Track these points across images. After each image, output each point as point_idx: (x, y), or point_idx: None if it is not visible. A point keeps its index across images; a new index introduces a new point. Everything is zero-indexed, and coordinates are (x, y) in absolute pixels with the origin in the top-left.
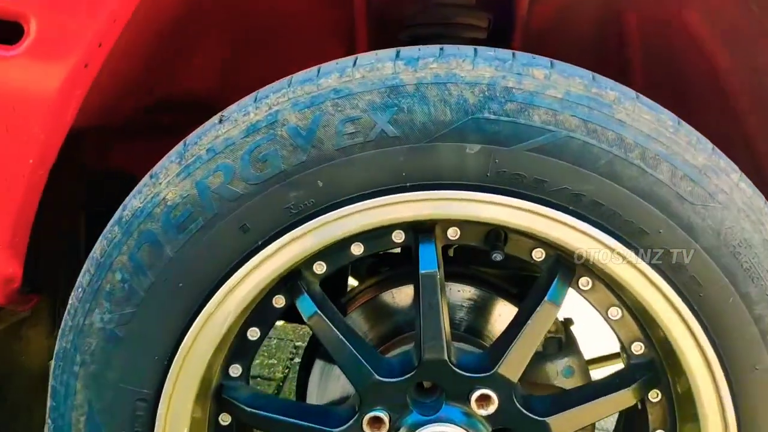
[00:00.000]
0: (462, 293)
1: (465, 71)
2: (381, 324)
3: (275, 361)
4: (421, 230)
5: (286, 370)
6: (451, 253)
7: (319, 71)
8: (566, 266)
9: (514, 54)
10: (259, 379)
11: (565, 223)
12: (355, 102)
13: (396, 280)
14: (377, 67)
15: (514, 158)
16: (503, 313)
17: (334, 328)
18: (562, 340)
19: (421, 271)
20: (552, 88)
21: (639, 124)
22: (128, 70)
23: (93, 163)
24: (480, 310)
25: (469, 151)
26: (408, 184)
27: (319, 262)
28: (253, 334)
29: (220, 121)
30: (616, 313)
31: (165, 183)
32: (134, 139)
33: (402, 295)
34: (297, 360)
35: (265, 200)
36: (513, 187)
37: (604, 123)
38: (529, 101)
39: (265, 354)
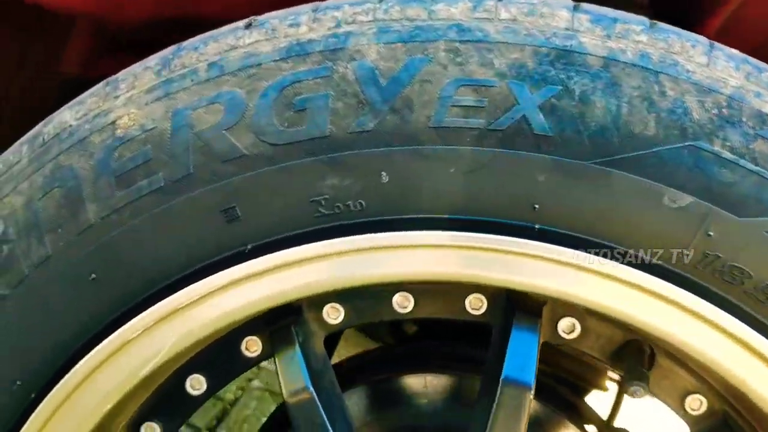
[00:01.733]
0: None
1: (694, 64)
2: (392, 422)
3: None
4: (517, 305)
5: (239, 392)
6: None
7: None
8: None
9: None
10: None
11: None
12: (489, 56)
13: (439, 359)
14: (542, 13)
15: (743, 239)
16: None
17: (330, 428)
18: None
19: (504, 377)
20: None
21: None
22: None
23: (74, 69)
24: None
25: (670, 202)
26: (537, 227)
27: (334, 304)
28: (196, 385)
29: (248, 26)
30: None
31: (125, 98)
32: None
33: (441, 388)
34: (256, 383)
35: (280, 177)
36: (717, 288)
37: None
38: None
39: None
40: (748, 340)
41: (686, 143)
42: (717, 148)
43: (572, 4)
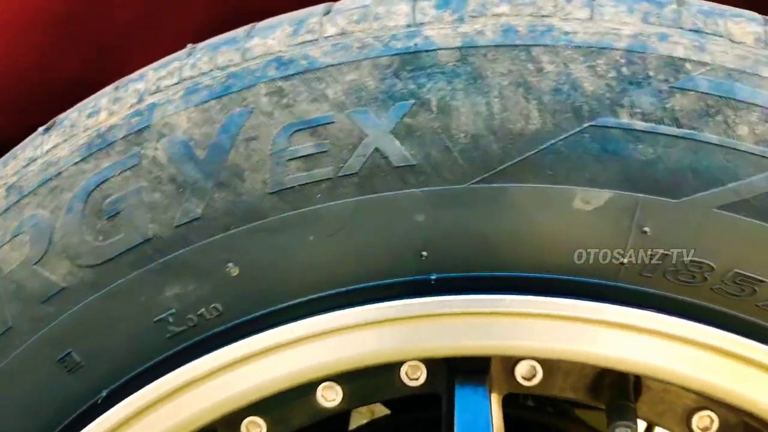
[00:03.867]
0: None
1: (575, 22)
2: None
3: None
4: (458, 367)
5: None
6: None
7: (252, 28)
8: None
9: None
10: None
11: None
12: (319, 87)
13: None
14: (377, 14)
15: (686, 226)
16: None
17: None
18: None
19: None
20: None
21: None
22: None
23: None
24: None
25: (584, 205)
26: (434, 277)
27: (254, 419)
28: None
29: (48, 128)
30: None
31: None
32: None
33: None
34: None
35: (112, 303)
36: (675, 292)
37: None
38: (728, 91)
39: None
40: (704, 340)
41: (584, 125)
42: (625, 120)
43: None
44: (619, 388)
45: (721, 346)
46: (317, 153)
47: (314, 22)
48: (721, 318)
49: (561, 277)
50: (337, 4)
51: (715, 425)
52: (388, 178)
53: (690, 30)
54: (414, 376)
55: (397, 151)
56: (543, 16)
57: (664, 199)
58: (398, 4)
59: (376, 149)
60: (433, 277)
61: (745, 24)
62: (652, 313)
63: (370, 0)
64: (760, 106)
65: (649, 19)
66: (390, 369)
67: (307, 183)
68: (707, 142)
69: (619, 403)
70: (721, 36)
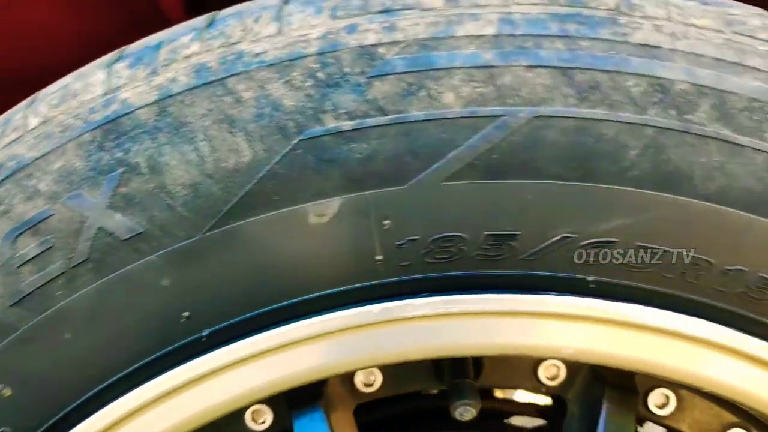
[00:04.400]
0: None
1: (264, 41)
2: None
3: None
4: (295, 401)
5: None
6: None
7: None
8: None
9: None
10: None
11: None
12: (31, 183)
13: None
14: (75, 91)
15: (422, 207)
16: None
17: None
18: None
19: None
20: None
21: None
22: None
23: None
24: None
25: (319, 218)
26: (205, 333)
27: None
28: None
29: None
30: None
31: None
32: None
33: None
34: None
35: None
36: (431, 270)
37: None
38: (425, 63)
39: None
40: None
41: (294, 142)
42: (331, 124)
43: (115, 56)
44: (458, 368)
45: (507, 309)
46: (45, 250)
47: (19, 118)
48: (495, 282)
49: (331, 291)
50: (41, 92)
51: (563, 372)
52: (120, 253)
53: (379, 12)
54: (260, 420)
55: (119, 224)
56: (233, 44)
57: (392, 188)
58: (94, 74)
59: (99, 228)
60: (205, 333)
61: None
62: (424, 299)
63: (70, 78)
64: (460, 67)
65: (337, 14)
66: (234, 420)
67: (44, 284)
68: (416, 121)
69: (458, 382)
70: (411, 9)
